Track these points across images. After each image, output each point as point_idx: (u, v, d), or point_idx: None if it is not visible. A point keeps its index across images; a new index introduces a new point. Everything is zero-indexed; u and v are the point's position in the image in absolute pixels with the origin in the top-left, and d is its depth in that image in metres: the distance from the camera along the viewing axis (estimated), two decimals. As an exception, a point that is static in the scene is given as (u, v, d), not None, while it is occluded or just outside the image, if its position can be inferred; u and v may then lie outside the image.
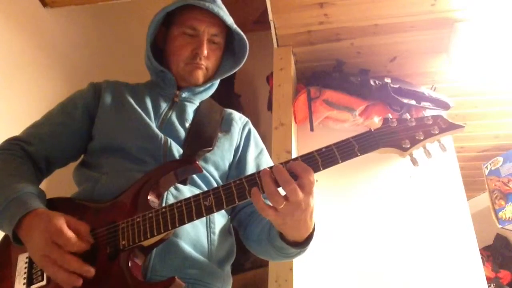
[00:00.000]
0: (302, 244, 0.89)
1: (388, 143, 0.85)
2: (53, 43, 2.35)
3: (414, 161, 0.86)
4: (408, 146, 0.85)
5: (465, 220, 2.20)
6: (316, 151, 0.84)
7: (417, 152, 0.87)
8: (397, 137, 0.85)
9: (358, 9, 2.19)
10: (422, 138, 0.85)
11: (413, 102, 2.33)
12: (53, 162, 1.09)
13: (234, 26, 1.19)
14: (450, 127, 0.86)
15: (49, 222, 0.83)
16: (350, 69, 2.48)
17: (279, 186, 0.78)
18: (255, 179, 0.82)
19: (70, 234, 0.82)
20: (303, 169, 0.79)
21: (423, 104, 2.35)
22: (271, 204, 0.79)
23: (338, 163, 0.83)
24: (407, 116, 0.88)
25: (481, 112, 2.96)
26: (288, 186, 0.77)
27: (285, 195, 0.77)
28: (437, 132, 0.86)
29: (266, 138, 2.07)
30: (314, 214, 0.84)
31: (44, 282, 0.85)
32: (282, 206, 0.77)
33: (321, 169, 0.83)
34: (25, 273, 0.87)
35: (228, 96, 3.13)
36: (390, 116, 0.88)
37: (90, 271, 0.82)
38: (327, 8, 2.19)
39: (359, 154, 0.83)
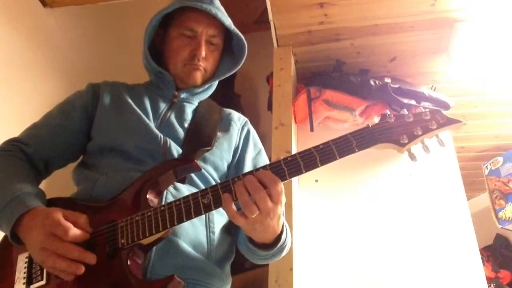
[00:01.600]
0: (270, 246, 0.91)
1: (386, 138, 0.85)
2: (53, 43, 2.35)
3: (412, 157, 0.86)
4: (406, 141, 0.84)
5: (465, 220, 2.20)
6: (314, 147, 0.85)
7: (416, 148, 0.86)
8: (395, 133, 0.85)
9: (358, 9, 2.18)
10: (420, 133, 0.85)
11: (413, 102, 2.33)
12: (52, 163, 1.09)
13: (232, 27, 1.19)
14: (448, 122, 0.86)
15: (47, 217, 0.83)
16: (350, 69, 2.48)
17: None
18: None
19: (67, 223, 0.83)
20: (270, 180, 0.80)
21: (423, 104, 2.35)
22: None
23: (336, 159, 0.84)
24: (405, 111, 0.88)
25: (481, 112, 2.96)
26: (257, 194, 0.79)
27: (255, 202, 0.79)
28: (435, 127, 0.85)
29: (266, 138, 2.07)
30: (281, 220, 0.87)
31: (43, 282, 0.85)
32: (255, 215, 0.79)
33: (319, 165, 0.83)
34: (24, 272, 0.87)
35: (228, 96, 3.14)
36: (388, 112, 0.88)
37: (92, 257, 0.82)
38: (327, 8, 2.19)
39: (357, 150, 0.83)
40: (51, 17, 2.33)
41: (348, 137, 0.84)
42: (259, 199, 0.78)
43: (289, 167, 0.83)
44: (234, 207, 0.81)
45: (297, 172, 0.83)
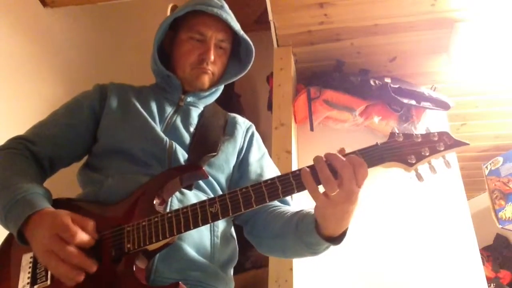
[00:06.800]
0: (335, 239, 0.88)
1: (394, 157, 0.85)
2: (53, 43, 2.35)
3: (419, 177, 0.87)
4: (414, 161, 0.85)
5: (465, 220, 2.20)
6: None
7: (422, 167, 0.87)
8: (403, 152, 0.86)
9: (358, 9, 2.19)
10: (427, 154, 0.86)
11: (413, 102, 2.34)
12: (57, 162, 1.09)
13: (241, 32, 1.20)
14: (455, 144, 0.87)
15: (55, 219, 0.83)
16: (350, 69, 2.49)
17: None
18: (262, 188, 0.83)
19: (75, 227, 0.82)
20: (358, 162, 0.79)
21: (423, 104, 2.35)
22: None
23: None
24: (413, 131, 0.89)
25: (481, 112, 2.97)
26: (346, 172, 0.76)
27: (339, 184, 0.77)
28: (442, 149, 0.86)
29: (266, 138, 2.07)
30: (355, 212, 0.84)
31: (48, 282, 0.85)
32: (335, 193, 0.77)
33: None
34: (29, 272, 0.87)
35: (228, 96, 3.13)
36: (396, 130, 0.89)
37: (93, 266, 0.82)
38: (327, 8, 2.20)
39: None
40: (51, 17, 2.34)
41: (356, 154, 0.84)
42: (347, 178, 0.76)
43: (297, 180, 0.83)
44: (313, 181, 0.78)
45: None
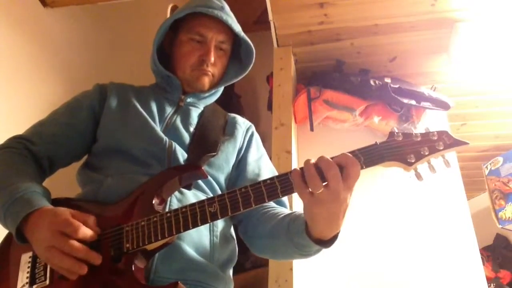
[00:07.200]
0: (326, 242, 0.87)
1: (393, 157, 0.85)
2: (53, 43, 2.35)
3: (418, 176, 0.87)
4: (413, 160, 0.85)
5: (465, 220, 2.20)
6: None
7: (421, 166, 0.87)
8: (403, 152, 0.85)
9: (358, 9, 2.19)
10: (427, 153, 0.85)
11: (413, 102, 2.34)
12: (56, 162, 1.09)
13: (242, 34, 1.20)
14: (455, 143, 0.87)
15: (56, 216, 0.84)
16: (350, 69, 2.49)
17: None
18: (261, 187, 0.83)
19: (77, 222, 0.83)
20: (349, 161, 0.78)
21: (423, 104, 2.35)
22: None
23: None
24: (413, 131, 0.89)
25: (481, 112, 2.97)
26: (330, 171, 0.76)
27: (325, 184, 0.77)
28: (441, 148, 0.86)
29: (266, 138, 2.07)
30: (346, 215, 0.83)
31: (47, 282, 0.85)
32: (320, 191, 0.76)
33: None
34: (28, 272, 0.87)
35: (228, 96, 3.14)
36: (395, 129, 0.89)
37: (97, 258, 0.82)
38: (327, 8, 2.20)
39: (364, 167, 0.82)
40: (51, 17, 2.33)
41: (356, 153, 0.84)
42: (331, 176, 0.76)
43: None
44: (302, 178, 0.78)
45: None
